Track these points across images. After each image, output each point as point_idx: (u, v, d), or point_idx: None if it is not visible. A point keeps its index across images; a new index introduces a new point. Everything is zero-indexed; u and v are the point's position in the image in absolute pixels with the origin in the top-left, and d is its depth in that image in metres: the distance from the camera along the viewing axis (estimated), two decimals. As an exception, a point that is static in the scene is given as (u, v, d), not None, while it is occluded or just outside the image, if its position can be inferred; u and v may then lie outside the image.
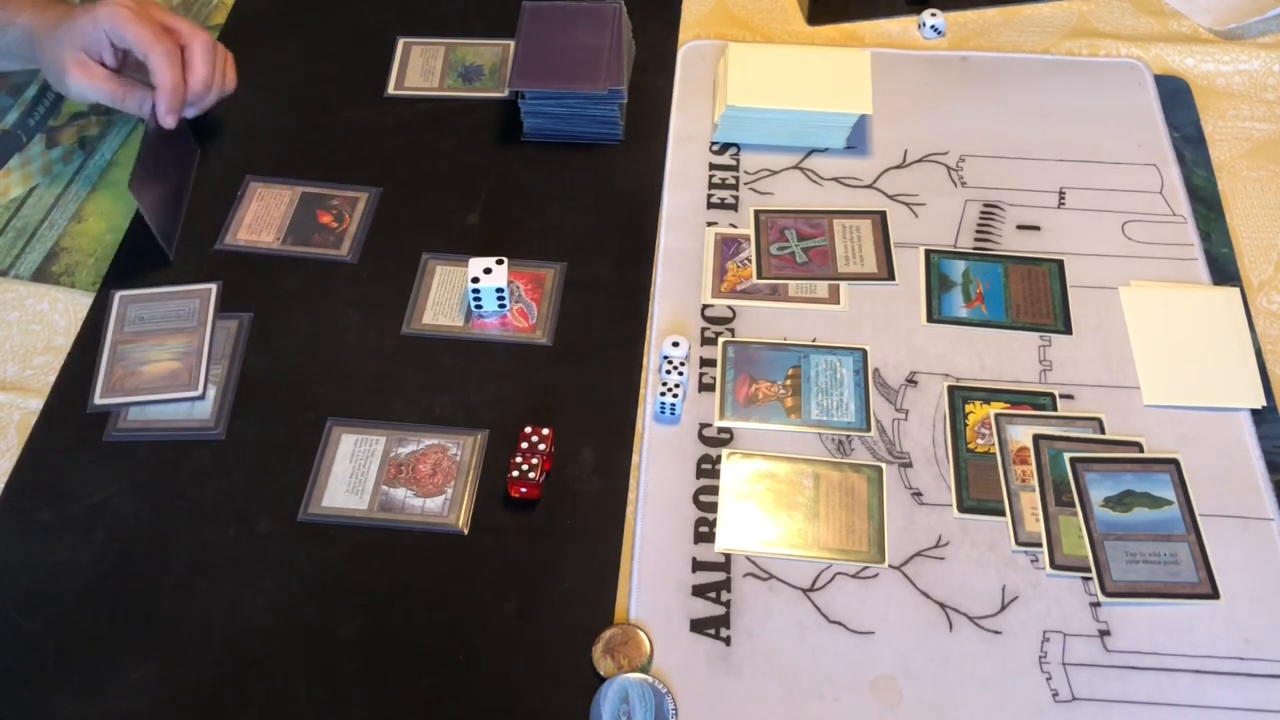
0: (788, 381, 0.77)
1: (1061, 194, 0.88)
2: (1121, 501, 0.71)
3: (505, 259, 0.80)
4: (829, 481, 0.73)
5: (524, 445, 0.72)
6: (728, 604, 0.68)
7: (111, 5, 0.82)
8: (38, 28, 0.85)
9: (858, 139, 0.92)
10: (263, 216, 0.87)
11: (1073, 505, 0.71)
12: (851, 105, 0.89)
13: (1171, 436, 0.75)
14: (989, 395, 0.77)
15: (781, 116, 0.90)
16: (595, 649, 0.66)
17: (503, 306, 0.80)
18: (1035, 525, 0.71)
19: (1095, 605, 0.67)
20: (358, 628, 0.67)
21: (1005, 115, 0.94)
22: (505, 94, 0.95)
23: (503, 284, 0.79)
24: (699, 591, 0.68)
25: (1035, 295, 0.82)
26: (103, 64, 0.84)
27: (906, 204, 0.88)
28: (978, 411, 0.76)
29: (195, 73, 0.85)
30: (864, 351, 0.79)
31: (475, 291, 0.79)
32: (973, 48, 1.00)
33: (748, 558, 0.70)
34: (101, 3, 0.82)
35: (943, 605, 0.68)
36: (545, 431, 0.72)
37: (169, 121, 0.84)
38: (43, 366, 0.80)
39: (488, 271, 0.79)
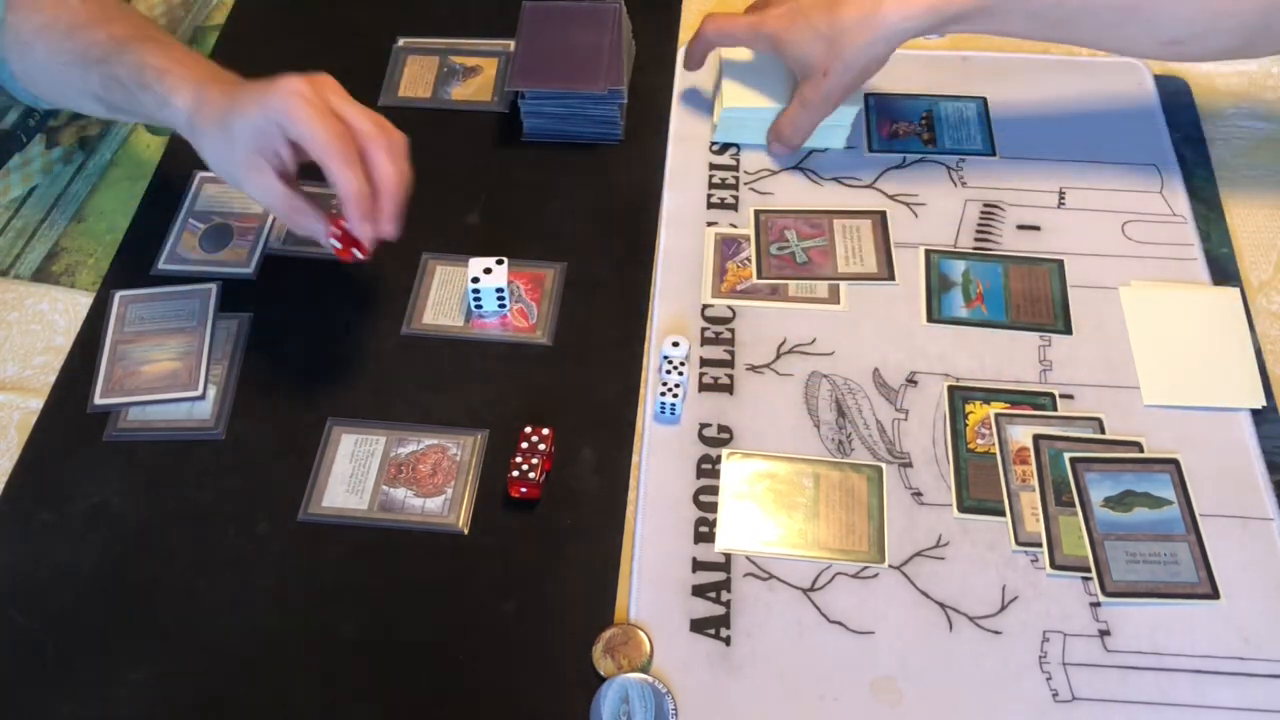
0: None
1: (1061, 194, 0.88)
2: (1121, 501, 0.71)
3: (505, 259, 0.80)
4: (829, 481, 0.73)
5: (524, 445, 0.72)
6: (728, 604, 0.68)
7: (284, 91, 0.70)
8: (199, 114, 0.73)
9: (858, 139, 0.92)
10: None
11: (1073, 505, 0.71)
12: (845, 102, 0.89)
13: (1171, 436, 0.75)
14: (989, 395, 0.77)
15: (777, 117, 0.90)
16: (595, 649, 0.66)
17: (503, 306, 0.80)
18: (1035, 525, 0.71)
19: (1095, 605, 0.67)
20: (358, 628, 0.67)
21: (1005, 115, 0.94)
22: (500, 108, 0.95)
23: (503, 284, 0.79)
24: (699, 591, 0.68)
25: (1035, 295, 0.82)
26: (279, 155, 0.72)
27: (906, 204, 0.88)
28: (978, 411, 0.76)
29: (381, 172, 0.72)
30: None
31: (475, 291, 0.79)
32: (973, 48, 1.00)
33: (748, 558, 0.70)
34: (274, 86, 0.70)
35: (943, 605, 0.68)
36: (545, 432, 0.73)
37: (365, 231, 0.72)
38: (43, 366, 0.80)
39: (488, 271, 0.79)
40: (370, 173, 0.71)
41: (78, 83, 0.77)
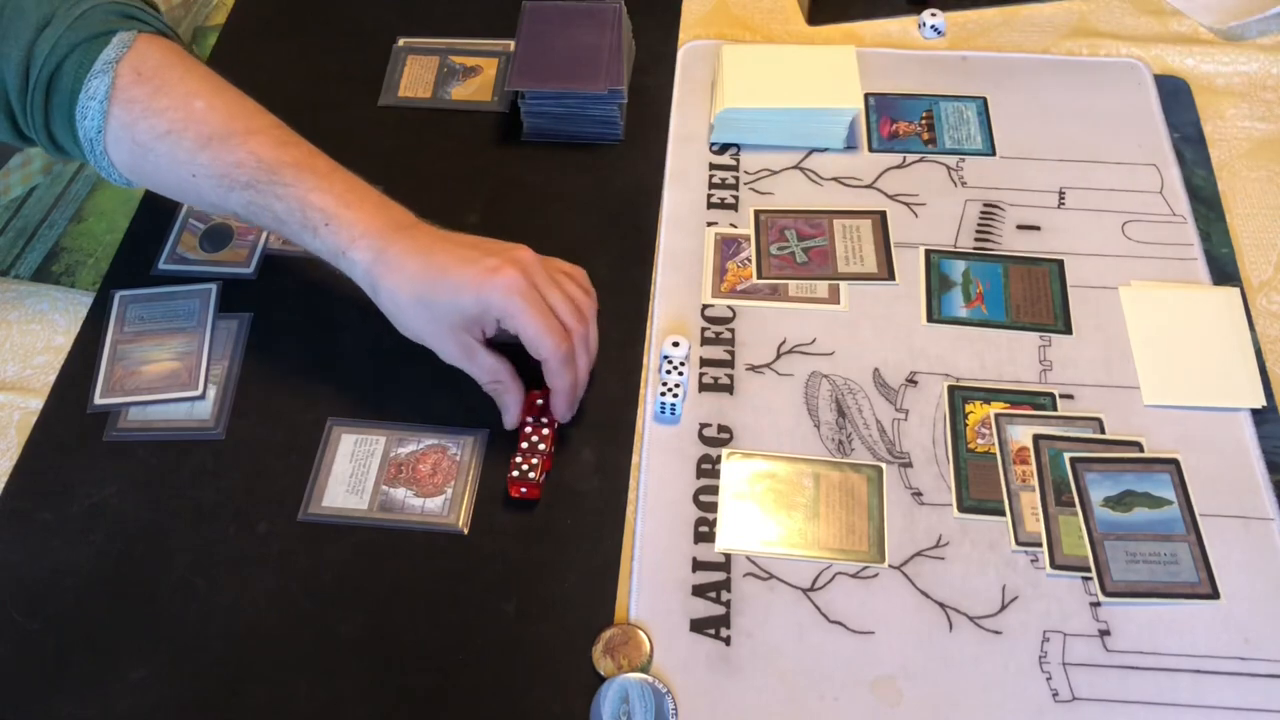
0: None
1: (1061, 194, 0.88)
2: (1121, 501, 0.71)
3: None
4: (829, 481, 0.73)
5: (524, 445, 0.72)
6: (728, 604, 0.68)
7: (505, 290, 0.67)
8: (382, 276, 0.69)
9: (858, 139, 0.92)
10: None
11: (1073, 505, 0.71)
12: (841, 101, 0.89)
13: (1171, 436, 0.75)
14: (989, 395, 0.77)
15: (775, 117, 0.90)
16: (595, 649, 0.66)
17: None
18: (1035, 525, 0.71)
19: (1095, 605, 0.67)
20: (358, 628, 0.67)
21: (1005, 115, 0.94)
22: (500, 108, 0.95)
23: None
24: (699, 591, 0.68)
25: (1035, 295, 0.82)
26: (483, 331, 0.71)
27: (906, 204, 0.88)
28: (978, 411, 0.76)
29: (580, 368, 0.73)
30: None
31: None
32: (973, 48, 1.00)
33: (748, 558, 0.70)
34: (490, 278, 0.67)
35: (943, 605, 0.68)
36: (545, 432, 0.72)
37: (566, 417, 0.74)
38: (43, 366, 0.80)
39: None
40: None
41: (212, 196, 0.71)
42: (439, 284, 0.68)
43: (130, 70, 0.70)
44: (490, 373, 0.72)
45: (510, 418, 0.73)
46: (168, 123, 0.70)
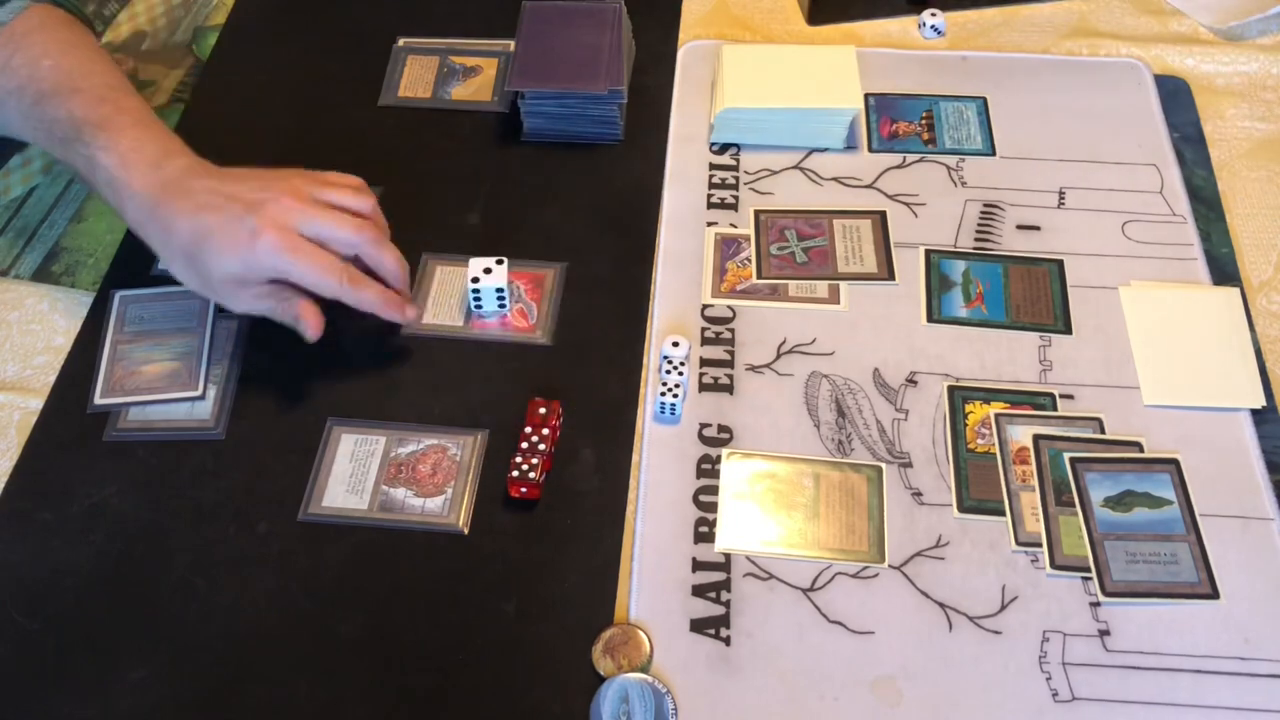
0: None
1: (1061, 194, 0.88)
2: (1121, 501, 0.71)
3: (505, 259, 0.80)
4: (829, 481, 0.73)
5: (524, 445, 0.72)
6: (728, 604, 0.68)
7: (268, 248, 0.70)
8: (152, 231, 0.72)
9: (858, 139, 0.92)
10: (263, 216, 0.87)
11: (1073, 505, 0.71)
12: (841, 101, 0.89)
13: (1171, 436, 0.75)
14: (989, 395, 0.77)
15: (775, 117, 0.90)
16: (595, 649, 0.66)
17: (503, 306, 0.80)
18: (1035, 525, 0.71)
19: (1095, 605, 0.67)
20: (358, 628, 0.67)
21: (1005, 115, 0.94)
22: (500, 108, 0.95)
23: (503, 284, 0.79)
24: (699, 591, 0.68)
25: (1035, 295, 0.82)
26: (261, 281, 0.73)
27: (906, 204, 0.88)
28: (978, 411, 0.76)
29: (382, 270, 0.76)
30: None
31: (475, 292, 0.79)
32: (973, 48, 1.00)
33: (748, 558, 0.70)
34: (254, 241, 0.70)
35: (943, 605, 0.68)
36: (545, 432, 0.72)
37: (403, 320, 0.77)
38: (43, 366, 0.80)
39: (488, 271, 0.79)
40: (373, 272, 0.75)
41: (49, 152, 0.77)
42: (205, 249, 0.71)
43: (5, 32, 0.75)
44: (272, 310, 0.74)
45: (309, 329, 0.74)
46: (17, 79, 0.74)
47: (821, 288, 0.83)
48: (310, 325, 0.74)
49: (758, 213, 0.87)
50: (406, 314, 0.77)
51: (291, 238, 0.71)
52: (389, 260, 0.75)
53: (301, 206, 0.72)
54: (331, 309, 0.75)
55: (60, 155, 0.75)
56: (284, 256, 0.70)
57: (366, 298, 0.74)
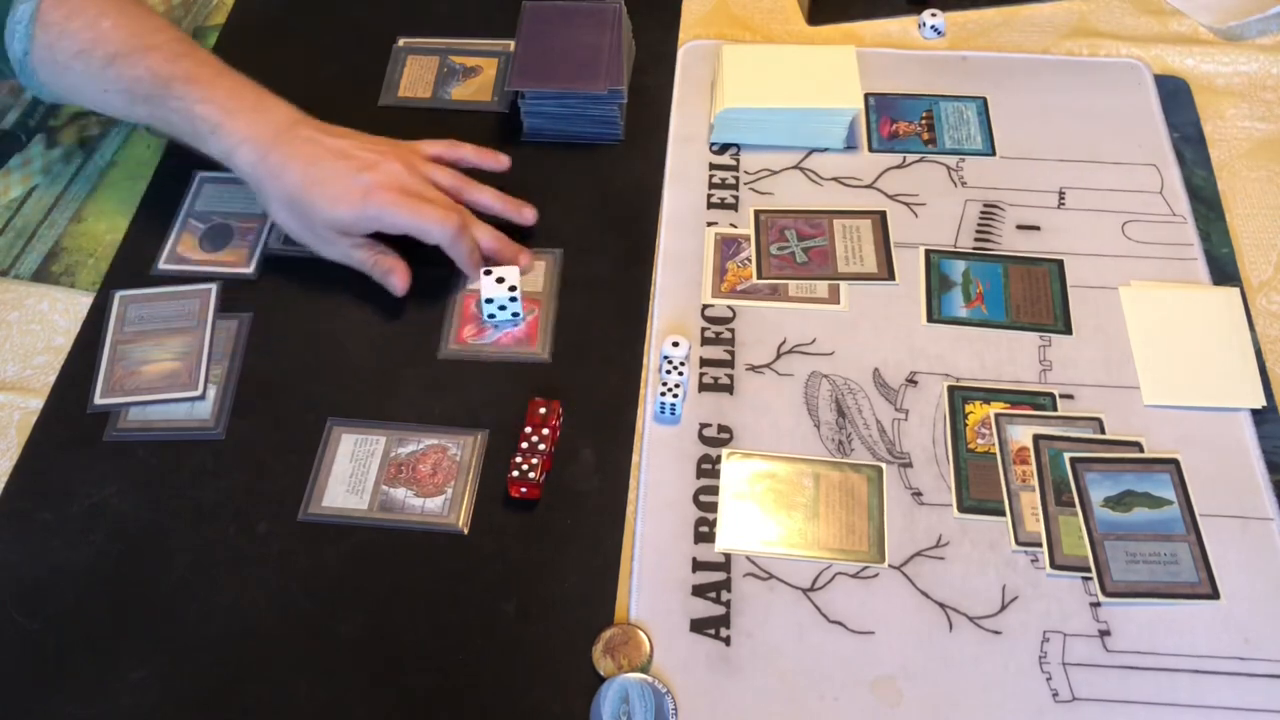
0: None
1: (1061, 194, 0.88)
2: (1121, 501, 0.71)
3: (518, 269, 0.80)
4: (829, 481, 0.73)
5: (524, 445, 0.72)
6: (728, 604, 0.68)
7: (381, 202, 0.76)
8: (264, 180, 0.77)
9: (858, 139, 0.92)
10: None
11: (1073, 505, 0.71)
12: (841, 101, 0.89)
13: (1171, 436, 0.75)
14: (989, 395, 0.77)
15: (775, 117, 0.90)
16: (595, 649, 0.66)
17: (516, 316, 0.80)
18: (1035, 525, 0.71)
19: (1095, 605, 0.67)
20: (358, 628, 0.67)
21: (1005, 115, 0.94)
22: (500, 108, 0.95)
23: (518, 295, 0.79)
24: (699, 591, 0.68)
25: (1035, 295, 0.82)
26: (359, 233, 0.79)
27: (906, 204, 0.88)
28: (978, 411, 0.76)
29: (483, 242, 0.81)
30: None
31: (490, 300, 0.79)
32: (973, 48, 1.00)
33: (748, 558, 0.70)
34: (367, 196, 0.76)
35: (943, 605, 0.68)
36: (545, 432, 0.72)
37: (520, 263, 0.81)
38: (43, 366, 0.80)
39: (500, 281, 0.79)
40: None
41: (122, 109, 0.79)
42: (315, 195, 0.76)
43: None
44: (363, 261, 0.80)
45: (399, 284, 0.80)
46: (80, 42, 0.76)
47: (821, 288, 0.83)
48: (399, 281, 0.79)
49: (758, 213, 0.87)
50: (521, 260, 0.81)
51: (403, 191, 0.77)
52: (490, 200, 0.82)
53: (410, 173, 0.78)
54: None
55: (144, 113, 0.78)
56: (399, 209, 0.76)
57: (484, 238, 0.80)
